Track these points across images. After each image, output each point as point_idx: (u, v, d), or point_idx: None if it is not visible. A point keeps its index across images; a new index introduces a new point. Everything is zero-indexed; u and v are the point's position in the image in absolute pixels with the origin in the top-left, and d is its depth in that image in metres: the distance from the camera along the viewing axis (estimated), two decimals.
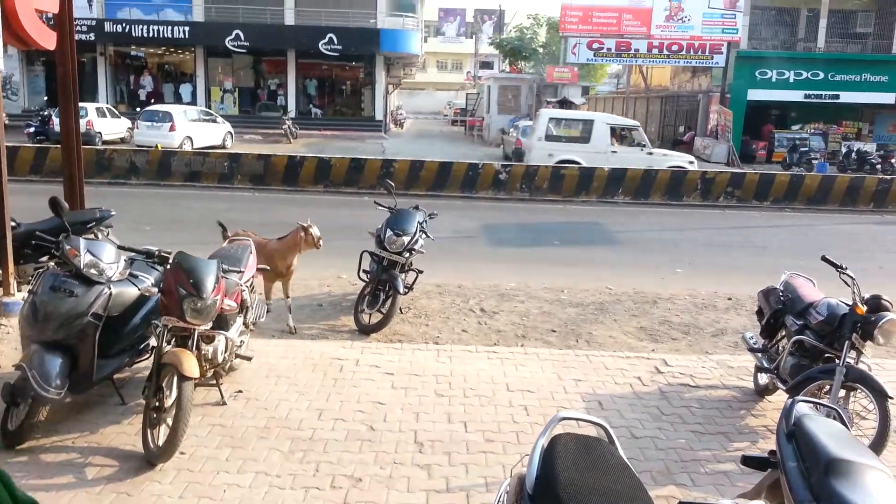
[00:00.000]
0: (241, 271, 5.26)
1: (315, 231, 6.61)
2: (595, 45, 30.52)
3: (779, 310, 5.49)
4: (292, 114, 31.64)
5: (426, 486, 4.05)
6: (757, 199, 17.18)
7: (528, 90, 33.87)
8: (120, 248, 4.78)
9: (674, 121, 35.11)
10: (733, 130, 27.74)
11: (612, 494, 2.23)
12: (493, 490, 3.96)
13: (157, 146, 19.69)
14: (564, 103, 30.18)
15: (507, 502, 2.69)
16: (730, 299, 8.44)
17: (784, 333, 5.47)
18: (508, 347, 6.50)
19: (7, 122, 25.88)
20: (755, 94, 28.98)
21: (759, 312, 5.86)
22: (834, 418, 3.26)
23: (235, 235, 6.64)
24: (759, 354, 5.59)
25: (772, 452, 3.10)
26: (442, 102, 62.92)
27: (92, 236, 6.40)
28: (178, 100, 32.50)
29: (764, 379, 5.57)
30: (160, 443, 4.16)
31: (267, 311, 6.24)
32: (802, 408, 3.13)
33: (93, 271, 4.45)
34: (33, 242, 6.66)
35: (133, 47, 33.97)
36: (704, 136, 30.68)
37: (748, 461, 3.20)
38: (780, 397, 5.34)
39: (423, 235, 7.46)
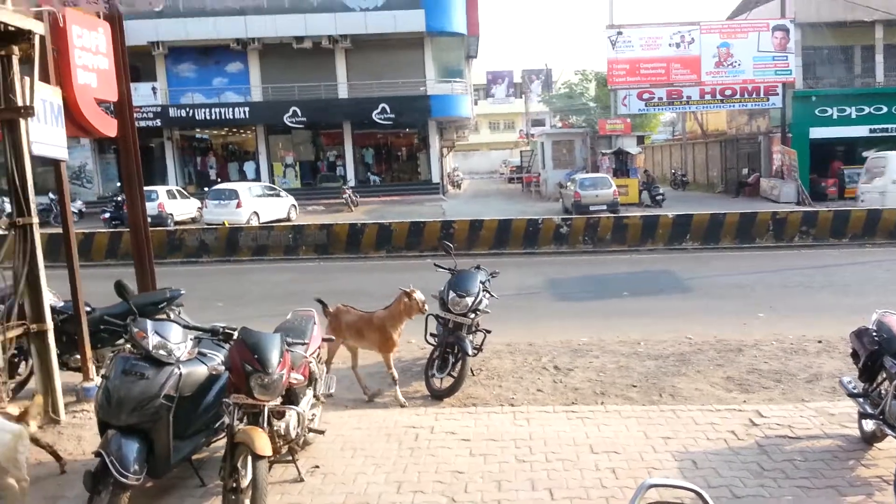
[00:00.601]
0: (305, 343, 5.21)
1: (419, 296, 6.45)
2: (645, 96, 30.40)
3: (875, 350, 5.10)
4: (352, 182, 32.36)
5: None
6: (834, 236, 16.46)
7: (581, 143, 33.82)
8: (186, 327, 4.79)
9: (735, 164, 34.36)
10: (800, 169, 26.97)
11: None
12: None
13: (224, 223, 20.29)
14: (620, 153, 29.97)
15: None
16: (820, 342, 7.95)
17: (885, 376, 5.05)
18: (588, 406, 6.22)
19: (83, 209, 27.28)
20: (818, 132, 28.30)
21: (854, 354, 5.45)
22: None
23: (337, 311, 6.62)
24: (861, 399, 5.18)
25: None
26: (497, 162, 63.54)
27: (164, 317, 6.49)
28: (242, 177, 33.67)
29: (870, 425, 5.14)
30: None
31: (395, 382, 6.37)
32: None
33: (162, 352, 4.45)
34: (108, 326, 6.81)
35: (197, 130, 35.57)
36: (770, 176, 29.88)
37: None
38: (890, 444, 4.93)
39: (487, 294, 7.31)
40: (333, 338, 6.27)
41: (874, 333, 5.16)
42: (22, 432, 4.03)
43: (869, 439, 5.16)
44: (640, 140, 35.87)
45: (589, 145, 33.32)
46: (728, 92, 29.82)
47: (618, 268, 14.41)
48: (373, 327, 6.44)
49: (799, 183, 26.53)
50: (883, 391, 5.02)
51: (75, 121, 6.72)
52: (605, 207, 22.72)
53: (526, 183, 39.33)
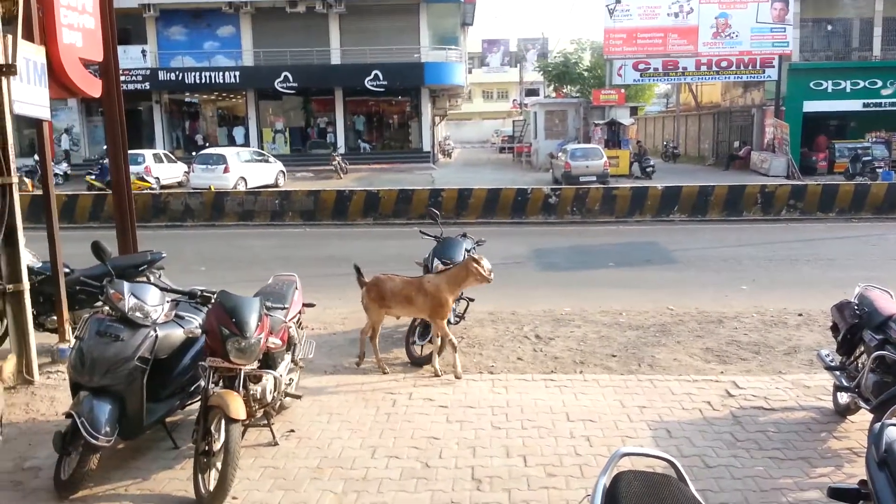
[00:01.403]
0: (286, 308, 5.18)
1: (486, 263, 6.09)
2: (641, 66, 30.17)
3: (855, 324, 5.11)
4: (342, 150, 32.09)
5: None
6: (821, 210, 16.50)
7: (574, 114, 33.59)
8: (164, 289, 4.74)
9: (728, 136, 34.30)
10: (791, 143, 26.90)
11: None
12: None
13: (211, 188, 20.13)
14: (613, 124, 29.81)
15: None
16: (801, 315, 7.99)
17: (863, 349, 5.08)
18: (567, 375, 6.23)
19: (69, 171, 26.98)
20: (811, 106, 28.16)
21: (834, 328, 5.47)
22: None
23: (377, 280, 6.35)
24: (838, 372, 5.21)
25: (862, 483, 2.78)
26: (489, 131, 63.14)
27: (144, 279, 6.43)
28: (231, 142, 33.33)
29: (844, 398, 5.19)
30: (211, 488, 4.05)
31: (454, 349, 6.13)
32: (893, 432, 2.80)
33: (137, 314, 4.41)
34: (84, 288, 6.76)
35: (187, 94, 35.11)
36: (761, 150, 29.83)
37: (836, 493, 2.88)
38: (863, 417, 4.96)
39: None
40: (315, 303, 6.20)
41: (855, 307, 5.17)
42: None
43: (843, 412, 5.21)
44: (634, 111, 35.72)
45: (582, 116, 33.10)
46: (724, 63, 29.62)
47: (605, 239, 14.42)
48: (424, 293, 6.11)
49: (789, 157, 26.51)
50: (860, 365, 5.05)
51: (59, 80, 6.60)
52: (594, 178, 22.64)
53: (517, 153, 39.14)
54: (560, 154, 25.68)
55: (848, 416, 5.15)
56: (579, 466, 4.49)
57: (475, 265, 6.03)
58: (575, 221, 16.50)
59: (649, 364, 6.55)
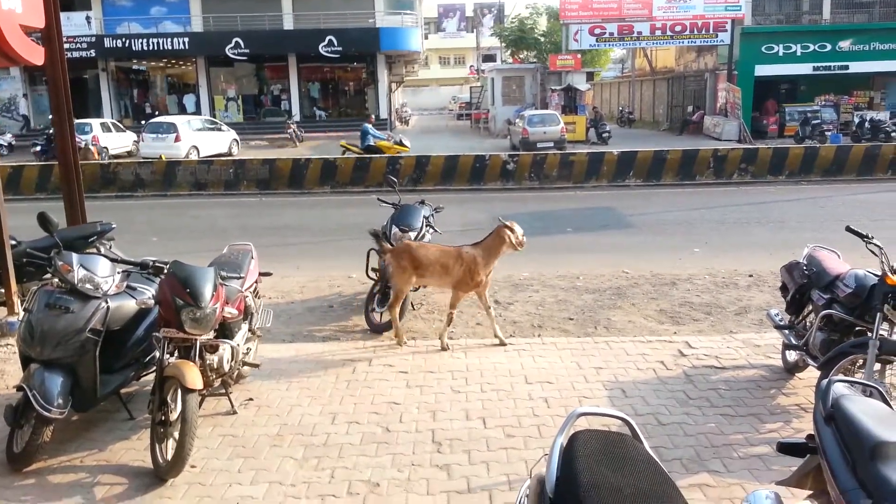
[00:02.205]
0: (241, 277, 5.11)
1: (519, 229, 6.02)
2: (597, 31, 30.19)
3: (804, 284, 5.27)
4: (297, 117, 31.60)
5: (446, 488, 3.88)
6: (772, 174, 16.85)
7: (531, 79, 33.56)
8: (114, 260, 4.63)
9: (682, 101, 34.70)
10: (743, 107, 27.34)
11: (637, 494, 2.04)
12: (515, 488, 3.77)
13: (161, 157, 19.64)
14: (570, 90, 29.87)
15: None
16: (751, 276, 8.20)
17: (811, 308, 5.24)
18: (525, 339, 6.31)
19: (13, 142, 26.04)
20: (763, 70, 28.57)
21: (783, 288, 5.64)
22: (872, 396, 3.04)
23: (406, 246, 6.11)
24: (787, 331, 5.37)
25: (809, 437, 2.88)
26: (446, 98, 62.75)
27: (94, 251, 6.27)
28: (182, 111, 32.52)
29: (793, 356, 5.35)
30: (169, 457, 4.02)
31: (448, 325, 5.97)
32: (839, 388, 2.90)
33: (88, 286, 4.31)
34: (32, 260, 6.57)
35: (134, 61, 34.04)
36: (714, 114, 30.29)
37: (784, 448, 2.98)
38: (810, 374, 5.13)
39: (430, 230, 7.28)
40: (271, 272, 6.11)
41: (804, 267, 5.31)
42: None
43: (791, 369, 5.38)
44: (590, 76, 35.80)
45: (539, 81, 33.10)
46: (678, 28, 29.80)
47: (563, 204, 14.53)
48: (462, 263, 5.92)
49: (741, 121, 26.96)
50: (808, 323, 5.21)
51: None
52: (552, 144, 22.73)
53: (475, 119, 39.04)
54: (517, 120, 25.69)
55: (796, 374, 5.33)
56: (537, 427, 4.57)
57: (508, 232, 5.95)
58: (533, 187, 16.58)
59: (605, 326, 6.67)
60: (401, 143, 21.04)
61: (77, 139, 22.33)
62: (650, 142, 25.18)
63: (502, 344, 6.04)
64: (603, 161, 16.97)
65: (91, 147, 21.76)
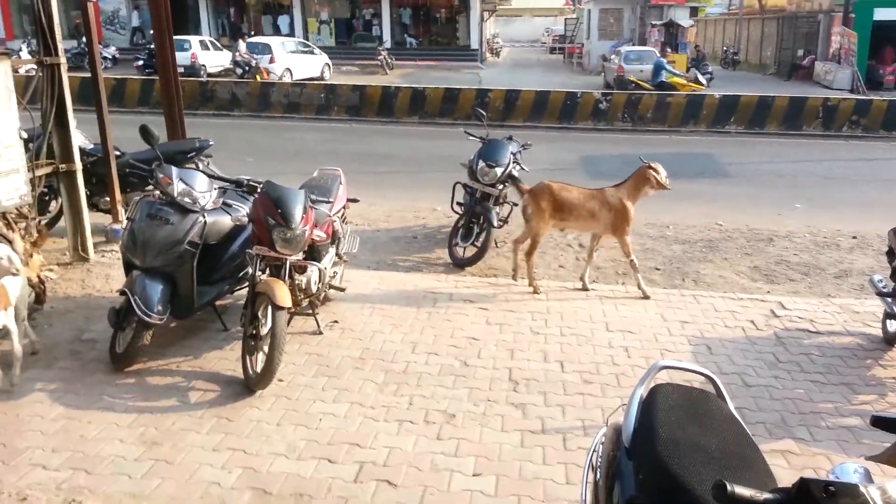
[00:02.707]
0: (330, 202, 5.19)
1: (662, 170, 5.81)
2: None
3: None
4: (388, 44, 31.32)
5: (521, 426, 3.91)
6: (885, 129, 15.70)
7: (631, 13, 32.06)
8: (211, 177, 4.77)
9: (792, 44, 32.44)
10: (858, 54, 25.35)
11: (717, 451, 1.99)
12: (590, 434, 3.77)
13: (256, 78, 19.95)
14: (671, 26, 28.41)
15: (603, 453, 2.50)
16: (855, 238, 7.76)
17: None
18: (608, 285, 6.21)
19: (116, 55, 26.91)
20: (882, 14, 26.19)
21: (890, 253, 5.28)
22: None
23: (547, 187, 5.84)
24: (889, 300, 5.06)
25: None
26: (539, 29, 60.79)
27: (192, 166, 6.48)
28: (276, 31, 32.75)
29: (894, 326, 5.07)
30: (258, 370, 4.19)
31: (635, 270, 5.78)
32: None
33: (186, 199, 4.46)
34: (134, 171, 6.85)
35: None
36: (826, 60, 28.25)
37: (879, 422, 2.83)
38: None
39: (517, 166, 7.16)
40: (359, 199, 6.15)
41: None
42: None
43: (891, 340, 5.09)
44: (694, 12, 33.94)
45: (638, 15, 31.59)
46: None
47: (656, 148, 13.98)
48: (608, 207, 5.73)
49: (855, 69, 25.07)
50: None
51: None
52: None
53: (568, 54, 37.79)
54: (613, 56, 24.71)
55: None
56: (616, 376, 4.52)
57: (652, 172, 5.76)
58: (625, 129, 16.05)
59: (694, 279, 6.48)
60: (696, 81, 19.82)
61: (242, 56, 22.75)
62: (755, 86, 23.84)
63: (645, 297, 5.80)
64: (703, 104, 16.21)
65: (262, 68, 22.17)
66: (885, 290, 5.15)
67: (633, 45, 27.63)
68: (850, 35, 25.97)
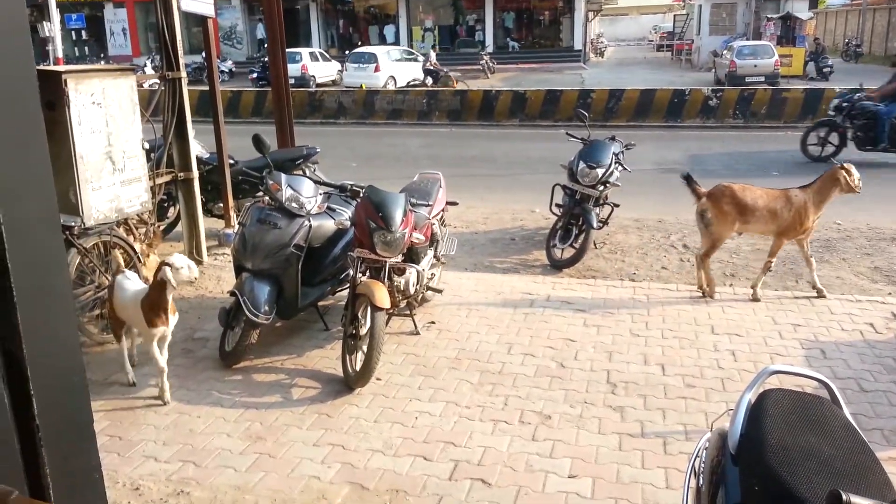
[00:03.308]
0: (429, 205, 5.27)
1: (856, 172, 5.48)
2: None
3: None
4: (490, 48, 31.52)
5: (619, 429, 3.84)
6: None
7: (745, 7, 30.75)
8: (317, 182, 4.96)
9: None
10: None
11: (832, 459, 1.88)
12: (693, 439, 3.64)
13: (362, 86, 20.55)
14: (788, 19, 27.00)
15: (707, 458, 2.41)
16: None
17: None
18: (716, 287, 5.96)
19: (233, 68, 28.44)
20: None
21: None
22: None
23: (728, 190, 5.59)
24: None
25: None
26: (647, 27, 59.35)
27: (300, 172, 6.75)
28: (382, 41, 33.60)
29: None
30: (357, 368, 4.32)
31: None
32: None
33: (293, 205, 4.66)
34: (247, 178, 7.21)
35: None
36: None
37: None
38: None
39: (619, 167, 7.02)
40: (458, 202, 6.21)
41: None
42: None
43: None
44: (813, 4, 32.19)
45: (753, 9, 30.25)
46: None
47: (770, 145, 13.36)
48: (791, 207, 5.46)
49: None
50: None
51: None
52: (763, 79, 20.83)
53: (676, 51, 36.65)
54: (725, 52, 23.76)
55: None
56: (721, 380, 4.35)
57: (843, 173, 5.45)
58: (737, 126, 15.38)
59: (808, 281, 6.13)
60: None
61: (433, 65, 23.40)
62: (878, 78, 22.18)
63: (821, 296, 5.60)
64: (822, 99, 15.28)
65: (453, 78, 22.98)
66: None
67: (747, 39, 26.43)
68: None
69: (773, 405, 2.13)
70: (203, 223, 6.66)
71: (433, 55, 24.37)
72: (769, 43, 24.08)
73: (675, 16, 46.63)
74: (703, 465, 2.44)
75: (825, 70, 24.26)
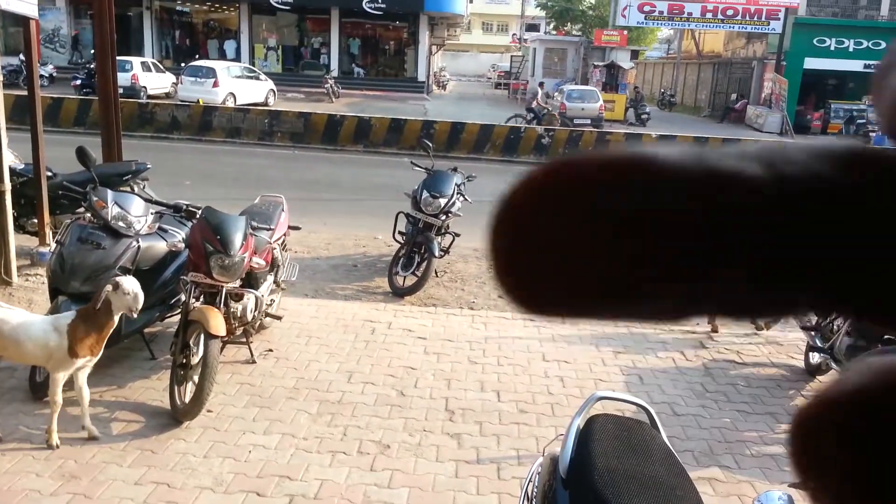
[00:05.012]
0: (271, 229, 5.15)
1: None
2: (646, 8, 29.47)
3: None
4: (335, 73, 31.40)
5: (456, 456, 3.91)
6: None
7: (574, 53, 33.04)
8: (148, 201, 4.68)
9: (726, 88, 33.92)
10: (788, 100, 26.65)
11: (651, 481, 2.04)
12: (525, 464, 3.79)
13: (199, 101, 19.69)
14: (612, 67, 29.35)
15: (539, 483, 2.52)
16: None
17: None
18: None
19: (54, 73, 26.24)
20: (812, 63, 27.74)
21: None
22: None
23: None
24: (812, 333, 5.29)
25: None
26: (486, 65, 61.92)
27: (127, 189, 6.34)
28: (222, 56, 32.46)
29: (816, 358, 5.28)
30: (187, 400, 4.09)
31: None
32: None
33: (121, 224, 4.37)
34: (67, 193, 6.66)
35: (178, 2, 33.99)
36: (757, 104, 29.59)
37: None
38: (833, 377, 5.05)
39: (461, 198, 7.24)
40: (300, 227, 6.12)
41: None
42: None
43: (813, 371, 5.31)
44: (635, 55, 35.15)
45: (582, 56, 32.57)
46: (730, 12, 29.00)
47: None
48: None
49: (785, 114, 26.31)
50: (836, 327, 5.12)
51: None
52: (589, 122, 22.41)
53: (513, 90, 38.58)
54: (556, 94, 25.34)
55: (818, 376, 5.26)
56: (551, 405, 4.57)
57: None
58: None
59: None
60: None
61: (539, 104, 20.05)
62: (690, 127, 24.72)
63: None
64: (640, 142, 16.70)
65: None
66: (808, 325, 5.37)
67: (576, 83, 28.40)
68: (781, 81, 27.28)
69: (599, 430, 2.27)
70: (14, 240, 6.04)
71: (541, 92, 22.72)
72: (595, 88, 26.01)
73: (511, 56, 49.10)
74: (535, 489, 2.54)
75: (643, 116, 26.55)
